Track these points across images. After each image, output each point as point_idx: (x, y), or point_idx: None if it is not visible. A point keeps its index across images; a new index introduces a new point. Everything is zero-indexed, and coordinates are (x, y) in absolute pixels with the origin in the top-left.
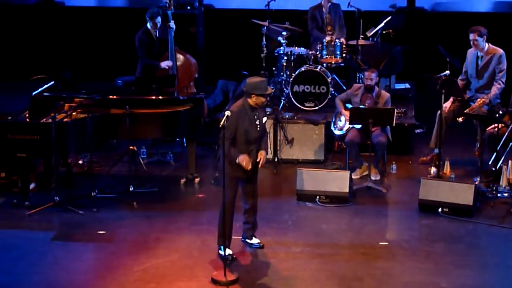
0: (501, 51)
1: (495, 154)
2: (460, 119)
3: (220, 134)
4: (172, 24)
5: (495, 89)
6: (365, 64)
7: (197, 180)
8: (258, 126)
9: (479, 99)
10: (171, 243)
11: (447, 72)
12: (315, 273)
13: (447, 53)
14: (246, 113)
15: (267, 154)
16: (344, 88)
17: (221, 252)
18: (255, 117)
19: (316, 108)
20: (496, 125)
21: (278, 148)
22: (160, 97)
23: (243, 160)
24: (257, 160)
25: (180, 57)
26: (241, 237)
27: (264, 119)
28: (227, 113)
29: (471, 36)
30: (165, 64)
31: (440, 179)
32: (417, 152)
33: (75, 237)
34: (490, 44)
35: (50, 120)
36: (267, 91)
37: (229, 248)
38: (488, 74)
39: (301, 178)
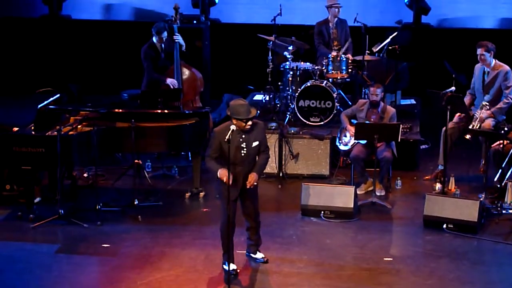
0: (507, 67)
1: (500, 170)
2: (468, 136)
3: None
4: (181, 40)
5: (501, 103)
6: (371, 79)
7: (201, 194)
8: (244, 149)
9: (482, 112)
10: (175, 257)
11: (453, 88)
12: None
13: (453, 70)
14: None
15: (259, 176)
16: (350, 103)
17: (225, 267)
18: (241, 139)
19: (322, 123)
20: (501, 141)
21: (283, 163)
22: (166, 111)
23: (222, 174)
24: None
25: (186, 71)
26: (245, 252)
27: (255, 143)
28: (232, 127)
29: (479, 51)
30: (170, 81)
31: (445, 195)
32: (422, 168)
33: (79, 250)
34: (496, 60)
35: (56, 133)
36: (247, 116)
37: (233, 263)
38: (494, 91)
39: (306, 193)
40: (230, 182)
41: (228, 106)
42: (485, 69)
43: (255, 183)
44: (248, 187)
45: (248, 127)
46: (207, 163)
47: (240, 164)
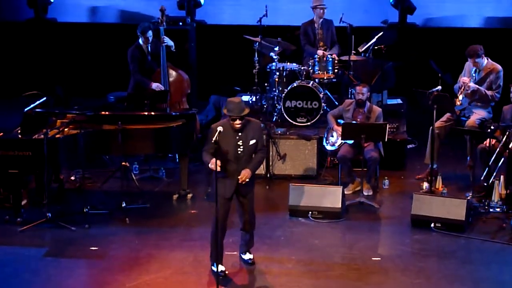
0: (499, 67)
1: (487, 169)
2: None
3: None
4: (169, 41)
5: (487, 91)
6: (357, 79)
7: (189, 196)
8: (241, 147)
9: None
10: (164, 259)
11: (439, 87)
12: None
13: (439, 69)
14: (226, 131)
15: (252, 172)
16: (336, 103)
17: (214, 269)
18: (237, 137)
19: (308, 123)
20: (488, 140)
21: (271, 163)
22: (153, 113)
23: (212, 162)
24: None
25: (173, 73)
26: (236, 253)
27: (252, 141)
28: (220, 128)
29: (471, 61)
30: (155, 86)
31: (432, 194)
32: (410, 167)
33: (67, 253)
34: (489, 59)
35: (42, 136)
36: (239, 114)
37: (221, 265)
38: (484, 88)
39: (293, 193)
40: (218, 169)
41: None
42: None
43: (247, 179)
44: (240, 182)
45: (238, 126)
46: (203, 156)
47: (237, 162)
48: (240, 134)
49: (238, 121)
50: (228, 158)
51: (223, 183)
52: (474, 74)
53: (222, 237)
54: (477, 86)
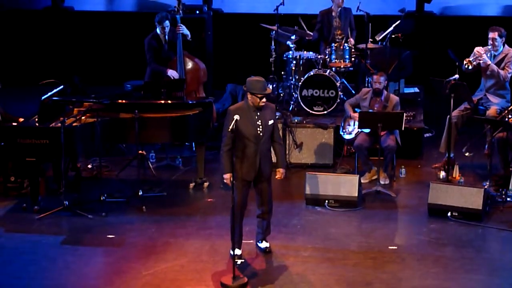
0: None
1: (504, 158)
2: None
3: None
4: (185, 30)
5: (502, 71)
6: (374, 68)
7: (206, 184)
8: (260, 127)
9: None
10: (180, 247)
11: (456, 76)
12: (324, 278)
13: (456, 57)
14: (245, 112)
15: (284, 169)
16: (353, 92)
17: (231, 252)
18: (256, 117)
19: (325, 112)
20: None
21: (287, 152)
22: (169, 102)
23: (226, 179)
24: (275, 174)
25: (189, 61)
26: (253, 241)
27: (271, 121)
28: (236, 117)
29: (491, 35)
30: (170, 73)
31: (449, 183)
32: (426, 156)
33: (84, 241)
34: (506, 46)
35: (59, 124)
36: (263, 92)
37: (239, 249)
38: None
39: (310, 182)
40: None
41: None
42: (492, 52)
43: (282, 174)
44: (277, 178)
45: (263, 103)
46: (221, 157)
47: (257, 143)
48: (259, 114)
49: (264, 99)
50: (248, 139)
51: (243, 166)
52: (491, 60)
53: (240, 222)
54: (489, 61)
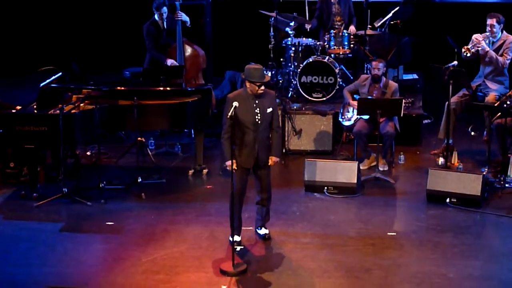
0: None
1: (503, 144)
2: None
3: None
4: (184, 17)
5: (500, 58)
6: (373, 54)
7: (205, 171)
8: (258, 114)
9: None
10: (179, 234)
11: (455, 62)
12: (323, 264)
13: (455, 44)
14: (243, 99)
15: (278, 157)
16: (352, 78)
17: (231, 239)
18: (254, 104)
19: (324, 99)
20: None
21: (286, 139)
22: (168, 88)
23: (228, 166)
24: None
25: (188, 48)
26: (252, 228)
27: (269, 109)
28: (235, 103)
29: (489, 21)
30: (170, 62)
31: (448, 170)
32: (425, 143)
33: (83, 228)
34: (504, 32)
35: (58, 111)
36: (261, 80)
37: (238, 236)
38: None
39: (309, 169)
40: (234, 166)
41: (233, 79)
42: (490, 39)
43: (274, 162)
44: (270, 164)
45: (261, 91)
46: (222, 145)
47: (255, 130)
48: (257, 101)
49: (262, 87)
50: (246, 127)
51: (242, 154)
52: (490, 47)
53: (239, 209)
54: (488, 48)
